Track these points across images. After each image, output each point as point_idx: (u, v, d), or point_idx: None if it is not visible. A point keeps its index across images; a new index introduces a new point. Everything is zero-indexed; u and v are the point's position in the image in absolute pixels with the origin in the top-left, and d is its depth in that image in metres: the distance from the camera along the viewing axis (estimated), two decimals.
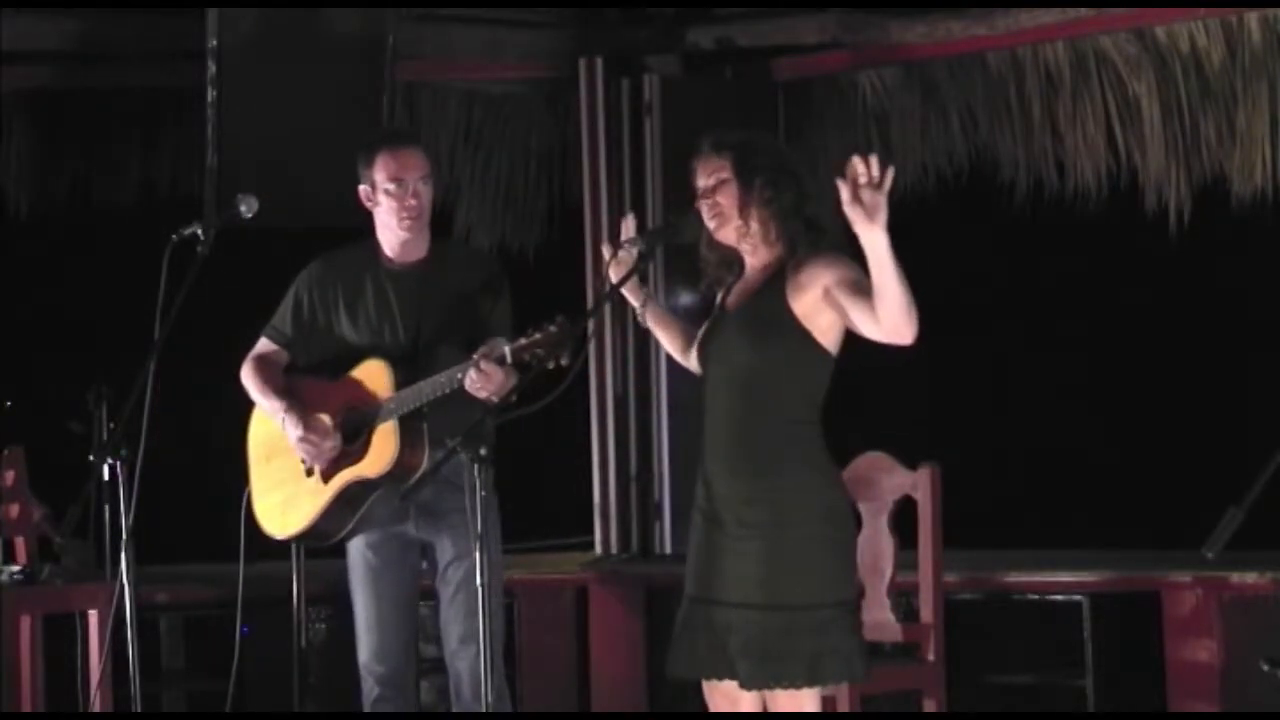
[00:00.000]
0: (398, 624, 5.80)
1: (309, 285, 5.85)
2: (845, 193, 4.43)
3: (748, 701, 4.89)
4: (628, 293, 5.19)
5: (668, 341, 5.31)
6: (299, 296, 5.86)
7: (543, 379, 5.07)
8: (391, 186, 5.71)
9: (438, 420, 5.57)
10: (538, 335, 5.22)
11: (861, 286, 4.63)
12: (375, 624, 5.79)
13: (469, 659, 5.67)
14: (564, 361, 5.13)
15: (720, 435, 4.87)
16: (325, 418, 5.72)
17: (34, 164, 8.68)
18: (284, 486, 5.80)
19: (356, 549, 5.82)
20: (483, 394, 5.41)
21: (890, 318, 4.57)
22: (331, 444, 5.69)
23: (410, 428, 5.59)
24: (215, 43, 7.82)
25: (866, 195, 4.43)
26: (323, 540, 5.83)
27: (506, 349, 5.31)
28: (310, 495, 5.73)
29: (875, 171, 4.45)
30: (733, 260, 4.98)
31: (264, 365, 5.85)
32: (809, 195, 4.92)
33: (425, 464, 5.58)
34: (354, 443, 5.69)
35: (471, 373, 5.38)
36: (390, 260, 5.79)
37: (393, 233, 5.77)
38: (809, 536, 4.80)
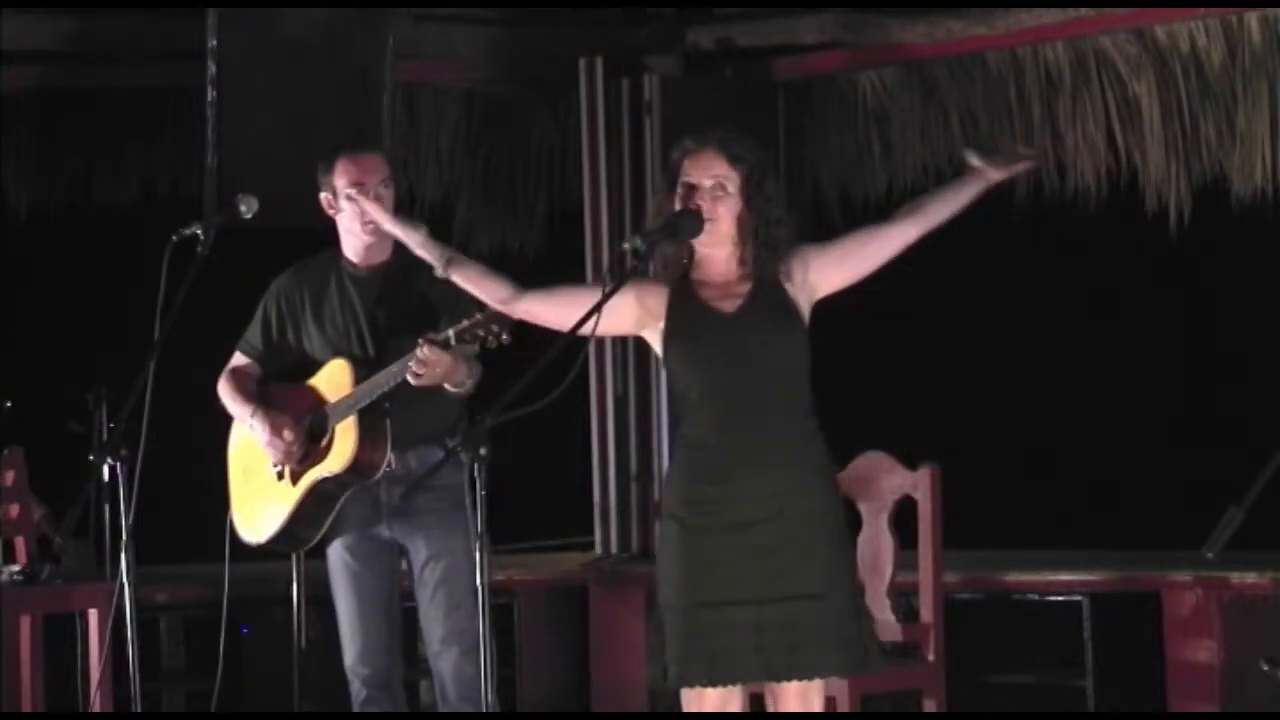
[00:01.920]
0: (380, 625, 5.82)
1: (276, 298, 5.92)
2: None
3: (736, 702, 4.88)
4: (423, 251, 5.04)
5: (486, 292, 5.04)
6: (267, 311, 5.93)
7: (542, 379, 5.07)
8: (353, 192, 5.76)
9: (409, 418, 5.60)
10: (478, 316, 5.28)
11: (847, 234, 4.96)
12: (358, 626, 5.81)
13: (451, 660, 5.69)
14: (504, 339, 5.23)
15: (752, 435, 4.82)
16: (288, 420, 5.78)
17: (34, 164, 8.68)
18: (259, 493, 5.87)
19: (335, 552, 5.85)
20: (428, 380, 5.45)
21: (938, 221, 4.87)
22: (297, 442, 5.74)
23: (369, 423, 5.63)
24: (215, 43, 7.81)
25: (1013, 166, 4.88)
26: (300, 545, 5.87)
27: (450, 332, 5.35)
28: (281, 498, 5.78)
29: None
30: (683, 256, 4.93)
31: (236, 376, 5.92)
32: (795, 222, 4.95)
33: (389, 459, 5.63)
34: (319, 442, 5.73)
35: (414, 358, 5.43)
36: (354, 265, 5.85)
37: (356, 238, 5.83)
38: (840, 526, 4.89)
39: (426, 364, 5.44)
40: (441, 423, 5.67)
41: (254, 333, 5.95)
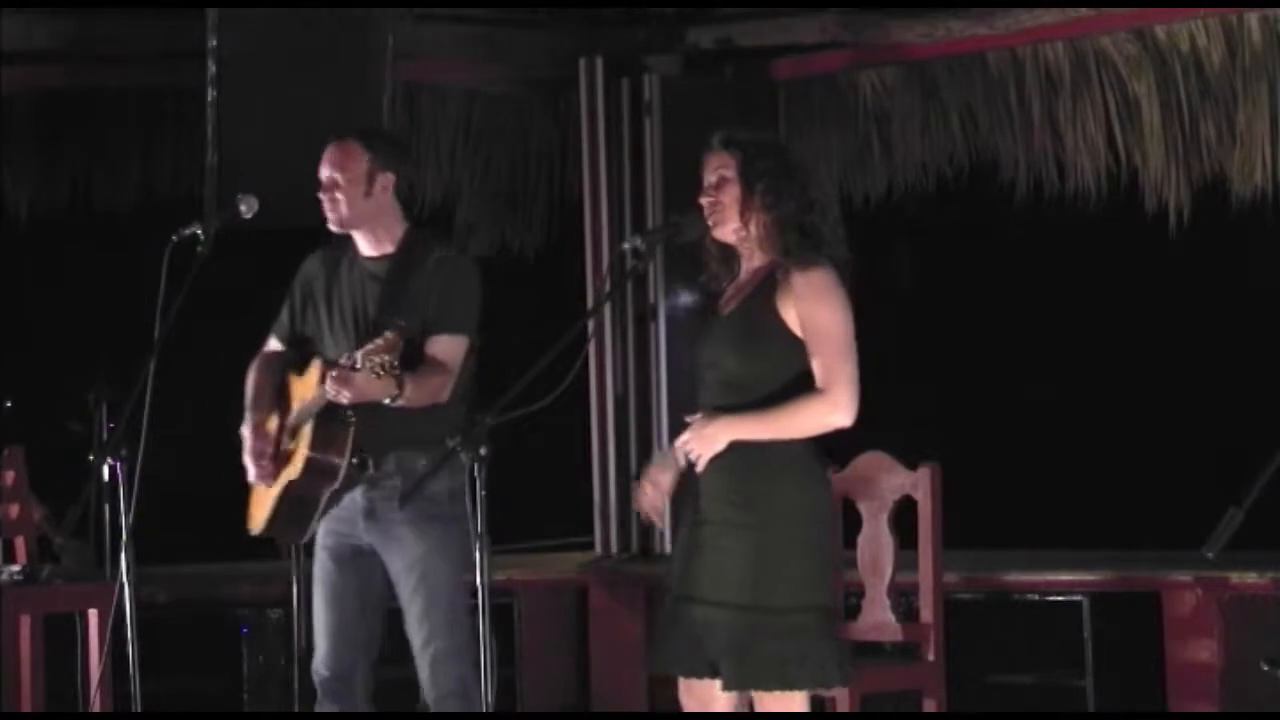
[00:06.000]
0: (348, 630, 5.70)
1: (299, 282, 5.86)
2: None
3: (722, 701, 4.87)
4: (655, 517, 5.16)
5: None
6: (291, 293, 5.87)
7: (542, 380, 5.07)
8: (322, 182, 5.69)
9: (380, 422, 5.52)
10: (377, 342, 5.24)
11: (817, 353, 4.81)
12: (324, 628, 5.70)
13: (425, 666, 5.63)
14: (395, 366, 5.22)
15: None
16: (274, 422, 5.72)
17: (34, 164, 8.68)
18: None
19: (317, 552, 5.78)
20: (342, 399, 5.42)
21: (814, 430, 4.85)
22: (266, 451, 5.69)
23: (325, 429, 5.55)
24: (215, 43, 7.82)
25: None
26: (290, 540, 5.81)
27: (359, 355, 5.30)
28: (268, 493, 5.73)
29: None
30: (732, 257, 4.97)
31: (263, 363, 5.85)
32: (811, 204, 4.90)
33: (344, 463, 5.55)
34: (294, 441, 5.68)
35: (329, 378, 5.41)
36: (360, 256, 5.76)
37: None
38: (791, 539, 4.80)
39: (335, 385, 5.40)
40: (426, 427, 5.50)
41: (283, 314, 5.88)
